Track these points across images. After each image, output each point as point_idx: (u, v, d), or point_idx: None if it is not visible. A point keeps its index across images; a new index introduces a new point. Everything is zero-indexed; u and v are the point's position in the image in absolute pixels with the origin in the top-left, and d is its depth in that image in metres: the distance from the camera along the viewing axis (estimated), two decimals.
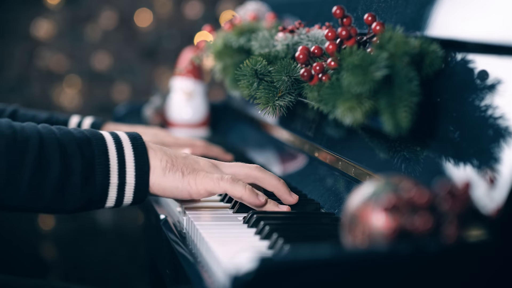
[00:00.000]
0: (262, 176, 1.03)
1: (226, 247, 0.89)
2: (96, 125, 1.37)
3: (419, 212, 0.71)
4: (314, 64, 0.99)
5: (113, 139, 0.98)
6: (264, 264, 0.67)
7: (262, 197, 1.01)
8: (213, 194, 1.00)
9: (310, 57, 1.03)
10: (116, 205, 0.97)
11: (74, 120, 1.36)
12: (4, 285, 1.18)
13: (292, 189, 1.23)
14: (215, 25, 1.56)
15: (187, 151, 1.35)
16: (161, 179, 0.98)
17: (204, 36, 1.63)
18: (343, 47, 0.99)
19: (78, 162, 0.93)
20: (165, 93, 1.88)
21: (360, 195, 0.74)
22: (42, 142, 0.92)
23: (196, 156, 1.03)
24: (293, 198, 1.05)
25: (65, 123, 1.37)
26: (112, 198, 0.96)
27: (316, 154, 1.24)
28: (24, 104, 2.77)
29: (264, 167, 1.42)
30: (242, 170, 1.03)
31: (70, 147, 0.93)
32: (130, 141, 0.98)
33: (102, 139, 0.97)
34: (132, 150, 0.97)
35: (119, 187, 0.96)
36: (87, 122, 1.36)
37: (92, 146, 0.95)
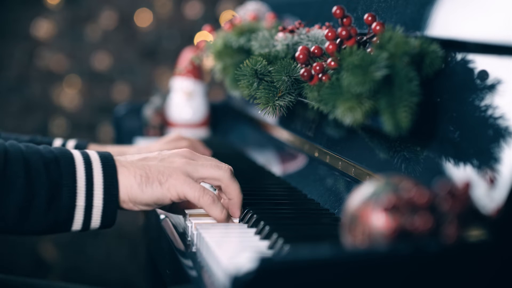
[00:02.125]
0: (227, 184, 1.00)
1: (226, 247, 0.89)
2: (79, 147, 1.31)
3: (419, 212, 0.71)
4: (314, 64, 0.99)
5: (83, 159, 0.94)
6: (264, 264, 0.67)
7: (235, 220, 1.02)
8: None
9: (310, 57, 1.03)
10: (83, 228, 0.94)
11: (57, 143, 1.32)
12: (4, 285, 1.18)
13: (292, 189, 1.23)
14: (215, 25, 1.56)
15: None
16: (141, 195, 0.95)
17: (204, 36, 1.63)
18: (343, 47, 0.99)
19: (43, 182, 0.90)
20: (165, 93, 1.88)
21: (360, 195, 0.74)
22: (6, 160, 0.89)
23: (171, 153, 0.99)
24: (238, 214, 1.02)
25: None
26: (78, 221, 0.93)
27: (316, 154, 1.24)
28: (24, 104, 2.77)
29: (264, 167, 1.42)
30: (214, 173, 0.99)
31: (36, 167, 0.90)
32: (101, 161, 0.95)
33: (71, 159, 0.93)
34: (101, 171, 0.94)
35: (86, 210, 0.92)
36: (70, 144, 1.32)
37: (60, 166, 0.92)
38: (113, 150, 1.32)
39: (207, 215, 1.01)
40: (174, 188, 0.95)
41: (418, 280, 0.70)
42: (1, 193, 0.88)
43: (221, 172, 0.99)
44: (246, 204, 1.05)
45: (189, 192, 0.96)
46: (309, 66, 1.01)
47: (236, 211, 1.02)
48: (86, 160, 0.94)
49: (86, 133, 2.81)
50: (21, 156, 0.90)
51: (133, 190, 0.94)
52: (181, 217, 1.09)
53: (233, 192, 1.01)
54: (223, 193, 1.03)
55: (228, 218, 1.01)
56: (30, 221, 0.90)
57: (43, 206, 0.90)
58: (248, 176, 1.33)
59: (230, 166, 1.02)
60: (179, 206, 1.06)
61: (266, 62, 1.10)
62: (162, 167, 0.96)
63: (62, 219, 0.91)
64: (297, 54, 1.04)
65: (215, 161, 1.01)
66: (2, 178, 0.88)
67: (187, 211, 1.06)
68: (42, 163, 0.91)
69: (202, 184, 1.00)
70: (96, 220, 0.94)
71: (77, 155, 0.94)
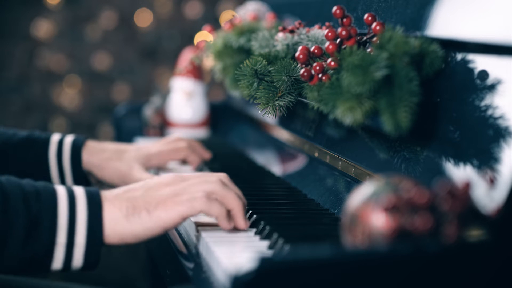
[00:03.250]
0: (222, 196, 0.94)
1: (226, 247, 0.89)
2: (77, 143, 1.28)
3: (419, 212, 0.71)
4: (314, 64, 0.99)
5: (67, 194, 0.89)
6: (264, 264, 0.67)
7: (231, 224, 0.96)
8: (189, 217, 0.93)
9: (310, 57, 1.03)
10: (64, 268, 0.88)
11: (55, 138, 1.28)
12: (4, 285, 1.18)
13: (292, 189, 1.23)
14: (215, 25, 1.56)
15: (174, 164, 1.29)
16: (128, 227, 0.89)
17: (204, 36, 1.63)
18: (343, 47, 0.99)
19: (22, 217, 0.85)
20: (165, 93, 1.88)
21: (360, 195, 0.74)
22: None
23: (157, 183, 0.93)
24: (245, 224, 0.96)
25: (46, 141, 1.27)
26: (58, 259, 0.87)
27: (316, 154, 1.24)
28: (24, 104, 2.77)
29: (264, 167, 1.42)
30: (205, 187, 0.93)
31: (14, 199, 0.85)
32: (86, 197, 0.89)
33: (53, 193, 0.88)
34: (86, 207, 0.88)
35: (67, 248, 0.86)
36: (68, 140, 1.28)
37: (41, 199, 0.87)
38: (112, 147, 1.31)
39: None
40: (165, 213, 0.90)
41: (418, 280, 0.70)
42: None
43: (211, 185, 0.94)
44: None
45: (182, 209, 0.90)
46: (309, 66, 1.01)
47: (241, 221, 0.96)
48: (70, 195, 0.89)
49: (86, 133, 2.81)
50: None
51: (119, 224, 0.89)
52: None
53: (230, 201, 0.95)
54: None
55: (226, 214, 0.95)
56: (6, 256, 0.85)
57: (20, 241, 0.85)
58: (248, 176, 1.33)
59: (222, 175, 0.97)
60: None
61: (266, 62, 1.10)
62: (149, 196, 0.91)
63: (41, 256, 0.86)
64: (297, 54, 1.04)
65: (205, 176, 0.96)
66: None
67: None
68: (21, 196, 0.86)
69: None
70: (78, 259, 0.88)
71: (60, 189, 0.89)
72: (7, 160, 1.24)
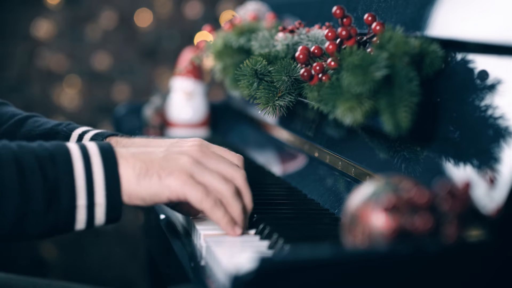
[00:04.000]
0: (227, 202, 0.93)
1: (226, 247, 0.89)
2: (96, 138, 1.17)
3: (419, 212, 0.71)
4: (314, 64, 0.99)
5: (81, 154, 0.88)
6: (264, 264, 0.67)
7: (238, 230, 0.94)
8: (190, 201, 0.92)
9: (310, 57, 1.03)
10: (87, 227, 0.88)
11: (77, 132, 1.18)
12: (5, 284, 1.18)
13: (292, 189, 1.23)
14: (215, 25, 1.56)
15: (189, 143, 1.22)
16: (137, 188, 0.89)
17: (204, 36, 1.63)
18: (343, 47, 0.99)
19: (39, 185, 0.84)
20: (165, 93, 1.88)
21: (360, 195, 0.74)
22: None
23: (180, 150, 0.93)
24: (237, 232, 0.94)
25: (69, 134, 1.18)
26: (81, 221, 0.87)
27: (316, 154, 1.24)
28: (24, 104, 2.77)
29: (264, 167, 1.42)
30: (218, 185, 0.92)
31: (30, 168, 0.84)
32: (101, 155, 0.88)
33: (67, 156, 0.87)
34: (102, 166, 0.88)
35: (88, 209, 0.87)
36: (89, 135, 1.18)
37: (56, 164, 0.86)
38: (138, 142, 1.15)
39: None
40: (174, 186, 0.89)
41: (418, 280, 0.70)
42: None
43: (224, 187, 0.92)
44: None
45: (191, 193, 0.90)
46: (309, 66, 1.01)
47: (232, 231, 0.94)
48: (84, 155, 0.88)
49: None
50: (13, 157, 0.85)
51: (130, 182, 0.88)
52: (180, 216, 1.09)
53: (233, 210, 0.94)
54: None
55: (232, 224, 0.94)
56: (29, 226, 0.85)
57: (41, 210, 0.84)
58: (248, 176, 1.33)
59: (239, 177, 0.95)
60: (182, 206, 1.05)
61: (266, 62, 1.10)
62: (165, 162, 0.90)
63: (63, 221, 0.86)
64: (297, 54, 1.04)
65: (226, 171, 0.94)
66: None
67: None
68: (36, 163, 0.85)
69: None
70: (100, 218, 0.88)
71: (74, 150, 0.88)
72: None
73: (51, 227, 0.86)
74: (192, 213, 1.02)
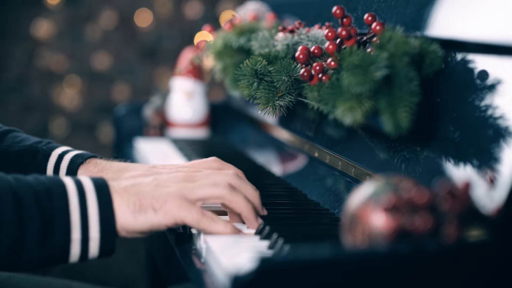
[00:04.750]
0: (230, 200, 0.95)
1: (226, 247, 0.89)
2: (76, 160, 1.16)
3: (419, 212, 0.71)
4: (314, 64, 0.99)
5: (76, 189, 0.89)
6: (264, 264, 0.67)
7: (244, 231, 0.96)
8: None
9: (310, 57, 1.03)
10: (81, 259, 0.89)
11: (57, 151, 1.17)
12: (6, 282, 1.19)
13: (292, 189, 1.23)
14: (215, 25, 1.56)
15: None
16: (134, 224, 0.90)
17: (204, 36, 1.63)
18: (343, 47, 0.99)
19: (35, 218, 0.86)
20: (165, 93, 1.88)
21: (360, 195, 0.74)
22: None
23: (168, 178, 0.95)
24: (257, 223, 0.97)
25: (49, 153, 1.17)
26: (75, 254, 0.89)
27: (316, 154, 1.24)
28: (24, 104, 2.77)
29: (264, 167, 1.42)
30: (212, 192, 0.94)
31: (27, 202, 0.86)
32: (95, 191, 0.90)
33: (63, 190, 0.88)
34: (96, 201, 0.89)
35: (82, 243, 0.88)
36: (69, 156, 1.16)
37: (52, 198, 0.87)
38: (116, 167, 1.16)
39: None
40: (170, 214, 0.91)
41: (418, 280, 0.70)
42: None
43: (218, 190, 0.94)
44: None
45: (187, 216, 0.91)
46: (309, 66, 1.01)
47: (253, 223, 0.97)
48: (79, 190, 0.89)
49: (86, 133, 2.81)
50: (10, 190, 0.86)
51: (126, 219, 0.90)
52: None
53: (238, 206, 0.96)
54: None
55: (236, 229, 0.95)
56: (23, 258, 0.86)
57: (36, 242, 0.86)
58: (248, 176, 1.33)
59: (232, 174, 0.98)
60: None
61: (266, 62, 1.10)
62: (157, 192, 0.92)
63: (58, 254, 0.88)
64: (297, 54, 1.04)
65: (214, 177, 0.96)
66: None
67: None
68: (32, 197, 0.86)
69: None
70: (93, 251, 0.89)
71: (70, 184, 0.90)
72: (9, 166, 1.21)
73: (45, 259, 0.87)
74: None
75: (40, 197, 0.87)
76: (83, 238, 0.88)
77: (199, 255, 0.93)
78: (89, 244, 0.89)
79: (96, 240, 0.89)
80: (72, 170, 1.13)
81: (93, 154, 1.14)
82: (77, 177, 0.92)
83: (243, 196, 0.96)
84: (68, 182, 0.90)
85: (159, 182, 0.94)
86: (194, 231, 1.00)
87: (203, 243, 0.93)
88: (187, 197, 0.92)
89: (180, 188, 0.93)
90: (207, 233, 0.93)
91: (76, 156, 1.14)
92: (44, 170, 1.16)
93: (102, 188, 0.90)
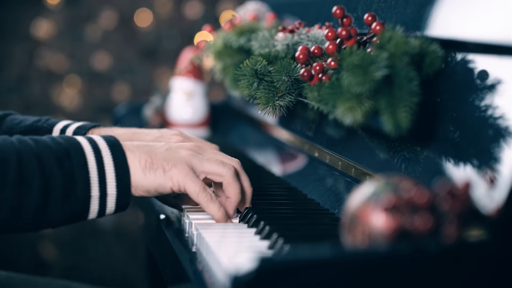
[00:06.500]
0: (229, 182, 1.00)
1: (226, 247, 0.89)
2: (79, 131, 1.20)
3: (419, 212, 0.71)
4: (314, 64, 0.99)
5: (92, 148, 0.94)
6: (264, 264, 0.67)
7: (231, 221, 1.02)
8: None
9: (310, 57, 1.03)
10: (98, 215, 0.95)
11: (59, 126, 1.21)
12: (5, 282, 1.19)
13: (292, 189, 1.23)
14: (215, 25, 1.56)
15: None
16: (143, 180, 0.95)
17: (204, 36, 1.63)
18: (343, 47, 0.99)
19: (58, 178, 0.90)
20: (165, 93, 1.88)
21: (360, 195, 0.74)
22: (20, 161, 0.88)
23: (179, 145, 1.00)
24: (232, 214, 1.02)
25: (50, 129, 1.21)
26: (94, 211, 0.93)
27: (316, 154, 1.24)
28: (24, 104, 2.77)
29: (264, 167, 1.42)
30: (218, 169, 0.99)
31: (49, 162, 0.90)
32: (109, 148, 0.95)
33: (80, 149, 0.93)
34: (111, 159, 0.94)
35: (100, 199, 0.93)
36: (72, 128, 1.20)
37: (71, 158, 0.92)
38: (120, 132, 1.21)
39: (204, 211, 1.01)
40: (176, 177, 0.96)
41: (418, 280, 0.70)
42: (19, 194, 0.87)
43: (225, 169, 0.99)
44: None
45: (190, 185, 0.96)
46: (309, 66, 1.01)
47: (231, 210, 1.02)
48: (95, 148, 0.94)
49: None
50: (33, 154, 0.90)
51: (137, 175, 0.95)
52: (181, 217, 1.09)
53: (233, 191, 1.01)
54: (221, 191, 1.03)
55: (226, 217, 1.01)
56: (47, 217, 0.90)
57: (59, 201, 0.90)
58: (248, 176, 1.33)
59: (236, 162, 1.03)
60: (178, 202, 1.07)
61: (266, 62, 1.10)
62: (168, 155, 0.97)
63: (79, 211, 0.92)
64: (297, 54, 1.04)
65: (222, 156, 1.02)
66: (19, 180, 0.88)
67: (184, 206, 1.06)
68: (54, 159, 0.90)
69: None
70: (111, 207, 0.94)
71: (85, 144, 0.94)
72: None
73: (67, 216, 0.92)
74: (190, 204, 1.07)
75: (61, 158, 0.91)
76: (101, 194, 0.93)
77: (199, 255, 0.93)
78: (107, 200, 0.93)
79: (113, 196, 0.94)
80: None
81: (94, 124, 1.18)
82: (89, 136, 0.97)
83: (240, 185, 1.02)
84: (83, 141, 0.94)
85: (170, 147, 0.99)
86: (186, 220, 1.01)
87: (203, 242, 0.93)
88: (194, 166, 0.98)
89: (190, 156, 0.98)
90: (201, 207, 0.98)
91: (78, 128, 1.18)
92: None
93: (115, 146, 0.95)
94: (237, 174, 1.02)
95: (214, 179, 1.00)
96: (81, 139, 0.95)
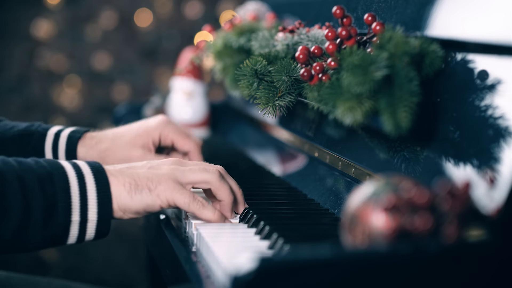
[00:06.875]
0: (217, 187, 1.00)
1: (226, 247, 0.89)
2: (73, 137, 1.22)
3: (419, 212, 0.71)
4: (314, 64, 0.99)
5: (75, 173, 0.93)
6: (264, 264, 0.67)
7: (229, 220, 1.02)
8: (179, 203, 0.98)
9: (310, 57, 1.03)
10: (78, 240, 0.94)
11: (52, 131, 1.23)
12: (5, 282, 1.19)
13: (292, 189, 1.23)
14: (215, 25, 1.56)
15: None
16: (130, 203, 0.95)
17: (204, 36, 1.63)
18: (343, 47, 0.99)
19: (39, 200, 0.89)
20: (165, 93, 1.88)
21: (360, 195, 0.74)
22: (2, 181, 0.88)
23: (160, 162, 1.00)
24: (229, 215, 1.02)
25: (44, 133, 1.23)
26: (73, 235, 0.93)
27: (316, 154, 1.24)
28: (24, 104, 2.77)
29: (264, 167, 1.42)
30: (202, 176, 0.99)
31: (31, 184, 0.90)
32: (93, 174, 0.94)
33: (64, 174, 0.93)
34: (94, 185, 0.94)
35: (80, 225, 0.93)
36: (65, 133, 1.22)
37: (54, 182, 0.91)
38: (110, 136, 1.23)
39: None
40: (163, 194, 0.95)
41: (418, 280, 0.70)
42: None
43: (209, 175, 0.99)
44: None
45: (179, 198, 0.96)
46: (309, 66, 1.01)
47: (227, 213, 1.02)
48: (78, 174, 0.93)
49: None
50: (15, 175, 0.89)
51: (123, 199, 0.94)
52: (181, 217, 1.09)
53: (223, 194, 1.01)
54: (213, 197, 1.03)
55: (223, 218, 1.01)
56: (27, 240, 0.90)
57: (39, 224, 0.90)
58: (248, 176, 1.33)
59: (219, 168, 1.02)
60: None
61: (266, 62, 1.10)
62: (150, 174, 0.96)
63: (58, 235, 0.92)
64: (297, 54, 1.04)
65: (204, 165, 1.01)
66: (0, 200, 0.87)
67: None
68: (36, 181, 0.90)
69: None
70: (90, 233, 0.94)
71: (69, 169, 0.94)
72: (5, 152, 1.22)
73: (46, 239, 0.91)
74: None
75: (43, 181, 0.91)
76: (82, 219, 0.92)
77: (199, 255, 0.93)
78: (87, 226, 0.93)
79: (94, 222, 0.93)
80: (72, 146, 1.20)
81: (86, 128, 1.21)
82: (73, 161, 0.97)
83: (229, 186, 1.02)
84: (67, 166, 0.94)
85: (152, 165, 0.99)
86: (186, 220, 1.01)
87: (203, 242, 0.93)
88: (179, 179, 0.97)
89: (172, 170, 0.98)
90: (196, 216, 0.99)
91: (73, 132, 1.20)
92: (41, 151, 1.20)
93: (99, 172, 0.95)
94: (223, 178, 1.01)
95: (202, 186, 1.01)
96: (65, 163, 0.95)
